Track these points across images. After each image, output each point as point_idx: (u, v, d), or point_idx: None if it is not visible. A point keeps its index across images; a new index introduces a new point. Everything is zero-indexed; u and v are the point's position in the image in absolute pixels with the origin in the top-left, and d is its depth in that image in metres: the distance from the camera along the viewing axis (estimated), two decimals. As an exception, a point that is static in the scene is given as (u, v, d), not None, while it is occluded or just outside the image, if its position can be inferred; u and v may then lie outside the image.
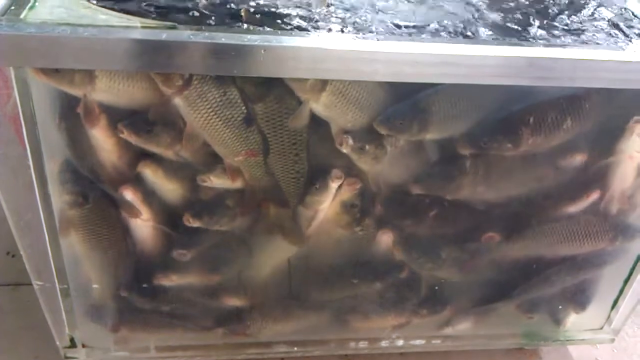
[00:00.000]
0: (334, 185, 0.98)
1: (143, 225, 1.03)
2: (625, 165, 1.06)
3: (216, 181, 0.97)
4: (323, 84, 0.87)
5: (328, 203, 1.02)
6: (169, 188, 0.99)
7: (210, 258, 1.10)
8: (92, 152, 0.93)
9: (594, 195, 1.10)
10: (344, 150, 0.94)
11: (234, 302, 1.16)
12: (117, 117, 0.89)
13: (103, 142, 0.91)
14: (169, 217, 1.03)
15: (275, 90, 0.88)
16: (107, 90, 0.84)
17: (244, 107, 0.89)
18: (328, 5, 0.90)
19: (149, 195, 0.99)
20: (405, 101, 0.94)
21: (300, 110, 0.90)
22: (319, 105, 0.90)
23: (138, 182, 0.97)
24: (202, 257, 1.09)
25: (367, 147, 0.95)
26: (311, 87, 0.87)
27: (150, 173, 0.96)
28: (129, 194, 0.97)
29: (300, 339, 1.24)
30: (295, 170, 0.97)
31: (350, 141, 0.93)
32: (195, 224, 1.00)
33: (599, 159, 1.06)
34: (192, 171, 0.97)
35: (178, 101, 0.86)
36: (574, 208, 1.12)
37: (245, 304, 1.17)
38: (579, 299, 1.28)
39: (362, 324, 1.24)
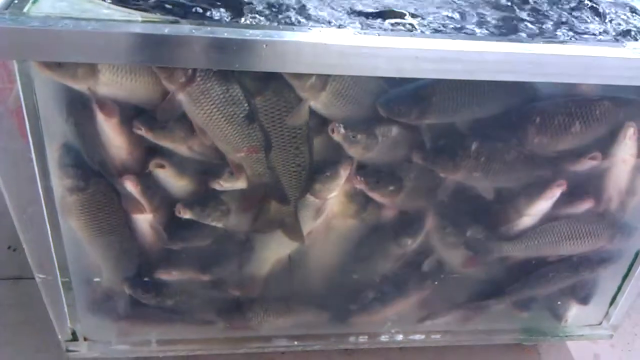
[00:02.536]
0: (344, 173, 1.00)
1: (142, 219, 1.03)
2: (619, 168, 1.08)
3: (226, 184, 0.98)
4: (323, 83, 0.88)
5: (337, 191, 1.03)
6: (180, 185, 1.00)
7: (210, 254, 1.11)
8: (101, 147, 0.94)
9: (588, 203, 1.12)
10: (335, 138, 0.95)
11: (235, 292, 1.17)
12: (126, 113, 0.90)
13: (113, 138, 0.92)
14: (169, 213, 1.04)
15: (274, 84, 0.89)
16: (110, 84, 0.85)
17: (246, 104, 0.89)
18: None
19: (150, 189, 0.99)
20: (407, 86, 0.94)
21: (299, 108, 0.91)
22: (318, 104, 0.91)
23: (145, 177, 0.98)
24: (201, 253, 1.10)
25: (358, 136, 0.96)
26: (311, 87, 0.88)
27: (162, 171, 0.97)
28: (128, 185, 0.97)
29: (301, 333, 1.25)
30: (297, 164, 0.97)
31: (342, 130, 0.94)
32: (186, 215, 1.00)
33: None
34: (202, 167, 0.98)
35: (181, 97, 0.86)
36: (569, 212, 1.14)
37: (246, 297, 1.18)
38: (581, 292, 1.29)
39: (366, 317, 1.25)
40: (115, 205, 1.02)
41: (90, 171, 0.97)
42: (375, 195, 1.05)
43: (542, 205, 1.10)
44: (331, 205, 1.07)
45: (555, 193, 1.08)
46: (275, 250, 1.11)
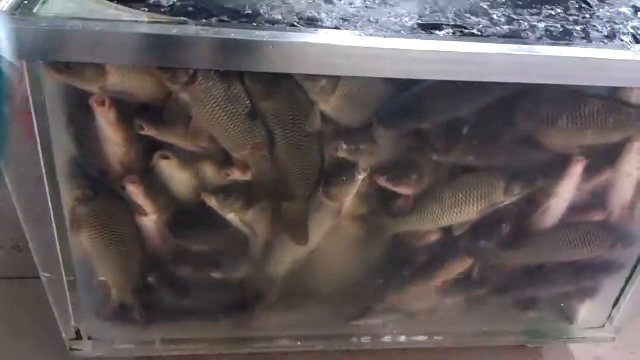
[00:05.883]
0: (360, 177, 1.00)
1: (147, 221, 1.04)
2: (623, 182, 1.09)
3: (239, 173, 0.99)
4: (333, 87, 0.88)
5: (353, 194, 1.03)
6: (182, 178, 1.00)
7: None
8: (100, 149, 0.94)
9: (599, 215, 1.13)
10: (341, 156, 0.97)
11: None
12: (125, 110, 0.90)
13: (112, 136, 0.92)
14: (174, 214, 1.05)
15: (283, 86, 0.89)
16: (119, 85, 0.85)
17: (248, 102, 0.90)
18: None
19: (153, 190, 1.00)
20: (401, 96, 0.94)
21: (312, 114, 0.92)
22: (328, 107, 0.92)
23: (145, 176, 0.98)
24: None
25: (361, 146, 0.97)
26: (321, 90, 0.89)
27: (165, 164, 0.97)
28: (131, 187, 0.97)
29: (304, 334, 1.25)
30: (310, 161, 0.98)
31: (344, 146, 0.96)
32: (211, 202, 1.00)
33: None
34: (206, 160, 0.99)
35: (184, 96, 0.87)
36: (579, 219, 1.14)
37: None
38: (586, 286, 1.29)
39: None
40: (124, 214, 1.03)
41: (99, 181, 0.97)
42: (401, 189, 1.04)
43: (568, 184, 1.08)
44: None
45: (577, 169, 1.05)
46: (292, 249, 1.11)
